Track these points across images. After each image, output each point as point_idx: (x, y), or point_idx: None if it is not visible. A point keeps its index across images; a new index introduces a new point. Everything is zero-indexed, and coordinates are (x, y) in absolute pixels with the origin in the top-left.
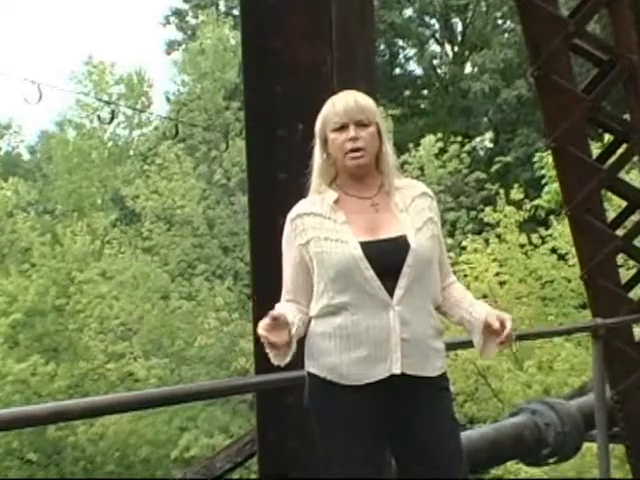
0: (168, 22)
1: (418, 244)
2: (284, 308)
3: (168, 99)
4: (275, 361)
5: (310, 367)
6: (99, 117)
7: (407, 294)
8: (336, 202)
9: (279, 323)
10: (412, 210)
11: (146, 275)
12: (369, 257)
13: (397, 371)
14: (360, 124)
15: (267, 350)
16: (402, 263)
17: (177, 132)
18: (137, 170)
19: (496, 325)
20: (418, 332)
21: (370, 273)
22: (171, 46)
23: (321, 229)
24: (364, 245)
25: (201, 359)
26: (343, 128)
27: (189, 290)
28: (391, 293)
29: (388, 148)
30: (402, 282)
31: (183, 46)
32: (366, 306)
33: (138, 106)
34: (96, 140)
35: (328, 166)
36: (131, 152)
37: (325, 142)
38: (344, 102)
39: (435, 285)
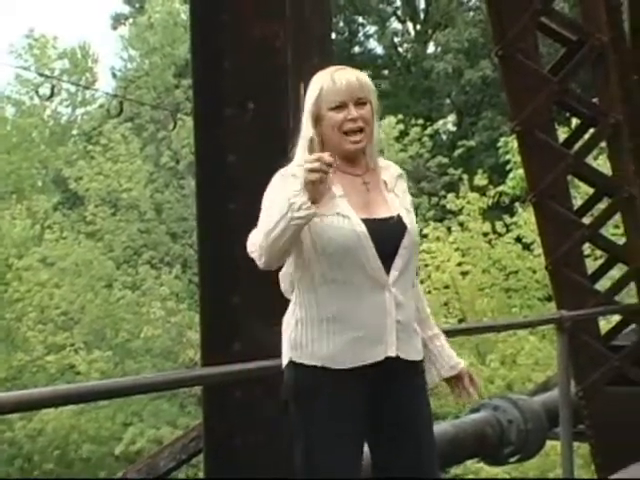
0: None
1: (411, 225)
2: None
3: (114, 75)
4: (308, 198)
5: (297, 358)
6: (37, 92)
7: (400, 276)
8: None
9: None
10: (398, 191)
11: (89, 262)
12: (371, 235)
13: (393, 354)
14: (359, 102)
15: (309, 181)
16: (399, 243)
17: (122, 109)
18: (80, 150)
19: (467, 381)
20: (408, 315)
21: (372, 252)
22: (117, 20)
23: None
24: (365, 222)
25: (147, 351)
26: (341, 107)
27: (135, 279)
28: (387, 274)
29: (376, 126)
30: (397, 263)
31: (130, 20)
32: (363, 285)
33: (82, 82)
34: (36, 118)
35: (318, 144)
36: (74, 131)
37: (317, 119)
38: (345, 79)
39: (416, 267)
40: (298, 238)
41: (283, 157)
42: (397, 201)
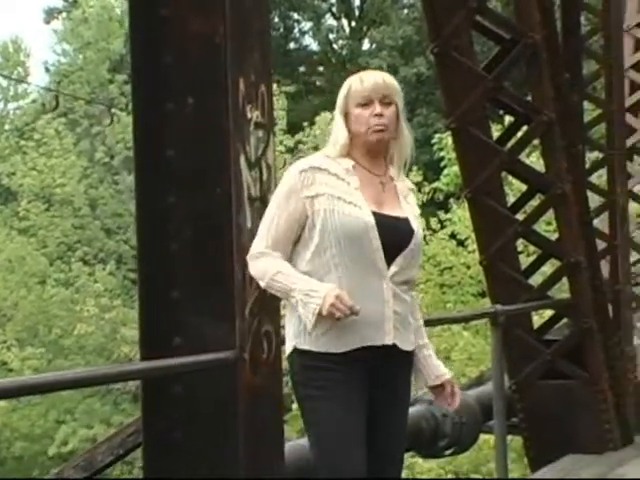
0: None
1: (418, 231)
2: (290, 270)
3: (47, 70)
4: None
5: (301, 345)
6: None
7: (400, 272)
8: (351, 168)
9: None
10: (410, 200)
11: (22, 258)
12: (379, 228)
13: (390, 342)
14: (384, 102)
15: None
16: (405, 243)
17: (57, 104)
18: (13, 146)
19: (448, 390)
20: (405, 308)
21: (377, 243)
22: (50, 14)
23: (334, 188)
24: (375, 215)
25: (80, 348)
26: (367, 104)
27: (68, 275)
28: (387, 268)
29: (405, 129)
30: (399, 260)
31: (64, 14)
32: (365, 273)
33: (14, 77)
34: None
35: (348, 140)
36: (6, 126)
37: (346, 117)
38: (372, 79)
39: (417, 274)
40: (303, 224)
41: (222, 152)
42: (408, 207)
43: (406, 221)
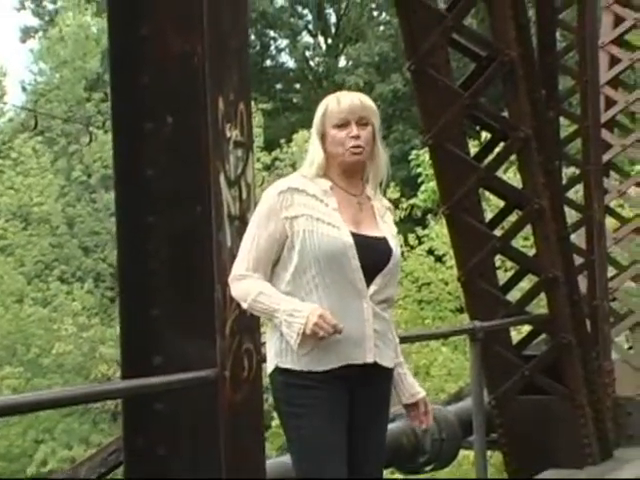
0: (23, 7)
1: (396, 250)
2: (272, 290)
3: (24, 89)
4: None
5: (282, 363)
6: None
7: (379, 291)
8: (329, 189)
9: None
10: (387, 219)
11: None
12: (358, 248)
13: (371, 360)
14: (360, 122)
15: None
16: (383, 263)
17: (37, 123)
18: None
19: (422, 409)
20: (384, 326)
21: (356, 263)
22: (27, 33)
23: (313, 209)
24: (353, 235)
25: (58, 367)
26: (344, 125)
27: (46, 294)
28: (367, 287)
29: (380, 149)
30: (378, 280)
31: (40, 33)
32: (345, 293)
33: None
34: None
35: (324, 160)
36: None
37: (323, 137)
38: (349, 100)
39: (395, 293)
40: (282, 245)
41: (202, 171)
42: (385, 227)
43: (384, 241)
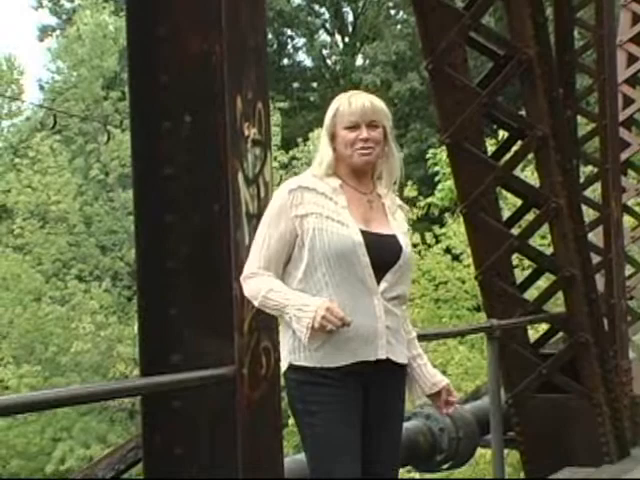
0: (41, 5)
1: (407, 247)
2: (282, 287)
3: (42, 87)
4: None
5: (296, 361)
6: None
7: (390, 288)
8: (338, 187)
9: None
10: (397, 217)
11: (17, 276)
12: (367, 246)
13: (383, 356)
14: (371, 125)
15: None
16: (393, 260)
17: (56, 122)
18: (7, 163)
19: (444, 397)
20: (397, 322)
21: (366, 260)
22: (44, 31)
23: (323, 207)
24: (363, 233)
25: (76, 365)
26: (355, 127)
27: (64, 292)
28: (377, 285)
29: (393, 149)
30: (388, 277)
31: (58, 32)
32: (356, 290)
33: (8, 95)
34: None
35: (333, 159)
36: (0, 144)
37: (333, 137)
38: (360, 103)
39: (407, 289)
40: (293, 243)
41: (220, 170)
42: (395, 224)
43: (394, 238)
